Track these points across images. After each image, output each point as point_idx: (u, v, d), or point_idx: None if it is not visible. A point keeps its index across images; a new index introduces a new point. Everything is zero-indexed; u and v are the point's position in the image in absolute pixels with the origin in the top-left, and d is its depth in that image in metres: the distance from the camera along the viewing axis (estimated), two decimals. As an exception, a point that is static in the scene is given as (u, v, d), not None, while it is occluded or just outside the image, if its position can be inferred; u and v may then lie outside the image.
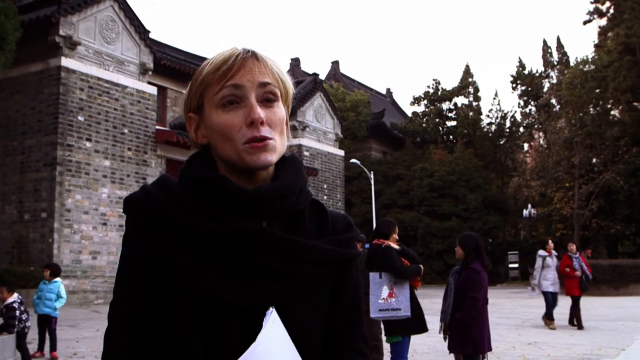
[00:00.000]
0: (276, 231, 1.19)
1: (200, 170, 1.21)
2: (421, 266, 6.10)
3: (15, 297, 9.40)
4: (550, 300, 13.14)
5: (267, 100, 1.22)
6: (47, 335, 9.35)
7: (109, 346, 1.19)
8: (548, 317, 13.10)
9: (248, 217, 1.18)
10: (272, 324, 1.14)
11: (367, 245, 8.78)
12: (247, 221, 1.17)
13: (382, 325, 7.17)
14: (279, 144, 1.22)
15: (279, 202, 1.20)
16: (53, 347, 9.10)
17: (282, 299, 1.17)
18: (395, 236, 6.01)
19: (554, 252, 13.70)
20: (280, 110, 1.24)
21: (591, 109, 34.68)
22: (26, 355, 9.35)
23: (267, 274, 1.17)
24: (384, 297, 5.60)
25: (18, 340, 9.31)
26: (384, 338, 6.47)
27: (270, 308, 1.16)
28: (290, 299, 1.19)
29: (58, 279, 9.59)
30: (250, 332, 1.14)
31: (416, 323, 5.66)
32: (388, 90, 55.60)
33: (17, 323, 9.23)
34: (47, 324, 9.28)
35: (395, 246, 5.96)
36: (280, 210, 1.21)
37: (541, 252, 13.64)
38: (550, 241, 14.24)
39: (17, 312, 9.25)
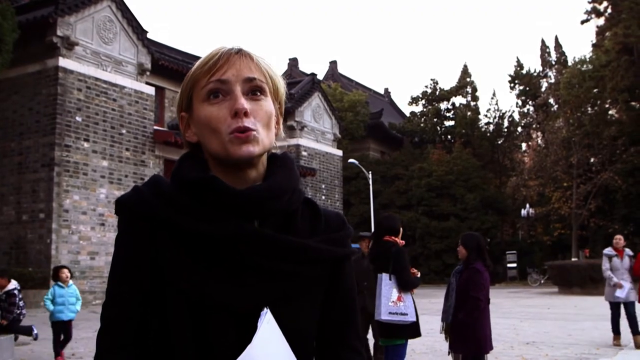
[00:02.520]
0: (268, 231, 1.18)
1: (192, 171, 1.21)
2: (419, 274, 6.06)
3: (14, 283, 9.58)
4: (616, 310, 10.24)
5: (253, 94, 1.22)
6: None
7: (102, 348, 1.19)
8: (613, 331, 10.32)
9: (240, 217, 1.17)
10: (267, 324, 1.14)
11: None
12: (239, 222, 1.16)
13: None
14: (264, 137, 1.21)
15: (271, 202, 1.20)
16: (62, 347, 8.92)
17: (275, 299, 1.17)
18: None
19: (627, 250, 10.39)
20: (267, 104, 1.24)
21: (589, 109, 34.70)
22: (26, 330, 9.54)
23: (260, 275, 1.17)
24: (394, 300, 5.55)
25: (13, 325, 9.45)
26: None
27: (265, 309, 1.15)
28: (283, 299, 1.18)
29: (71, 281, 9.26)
30: (244, 333, 1.14)
31: (414, 328, 5.65)
32: (386, 90, 55.60)
33: (16, 310, 9.36)
34: (67, 328, 8.89)
35: (403, 242, 5.89)
36: (273, 211, 1.21)
37: (607, 251, 10.53)
38: (619, 237, 10.71)
39: (17, 299, 9.41)
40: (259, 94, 1.23)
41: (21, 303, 9.74)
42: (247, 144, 1.18)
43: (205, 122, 1.21)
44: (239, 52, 1.24)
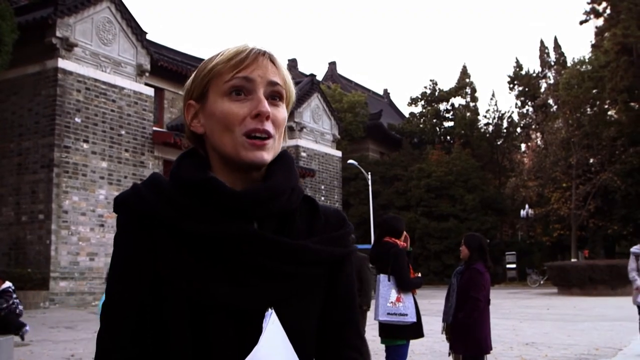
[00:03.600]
0: (268, 233, 1.18)
1: (191, 171, 1.20)
2: (420, 274, 6.06)
3: (8, 283, 9.70)
4: None
5: (273, 99, 1.22)
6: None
7: (102, 348, 1.18)
8: None
9: (239, 218, 1.17)
10: (272, 325, 1.14)
11: (363, 246, 8.77)
12: (238, 223, 1.16)
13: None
14: (277, 144, 1.22)
15: (271, 202, 1.19)
16: None
17: (275, 300, 1.16)
18: (405, 234, 5.92)
19: None
20: (284, 111, 1.24)
21: (588, 109, 34.73)
22: (18, 325, 9.61)
23: (260, 276, 1.16)
24: (392, 301, 5.55)
25: (14, 318, 9.52)
26: (374, 339, 6.45)
27: (270, 309, 1.15)
28: (285, 299, 1.18)
29: None
30: (244, 333, 1.14)
31: (416, 328, 5.64)
32: (385, 91, 55.64)
33: (12, 305, 9.47)
34: None
35: (404, 244, 5.85)
36: (272, 211, 1.20)
37: (635, 249, 9.07)
38: None
39: (14, 295, 9.53)
40: (278, 99, 1.23)
41: (17, 300, 9.88)
42: (262, 152, 1.18)
43: (221, 117, 1.19)
44: (265, 54, 1.23)
